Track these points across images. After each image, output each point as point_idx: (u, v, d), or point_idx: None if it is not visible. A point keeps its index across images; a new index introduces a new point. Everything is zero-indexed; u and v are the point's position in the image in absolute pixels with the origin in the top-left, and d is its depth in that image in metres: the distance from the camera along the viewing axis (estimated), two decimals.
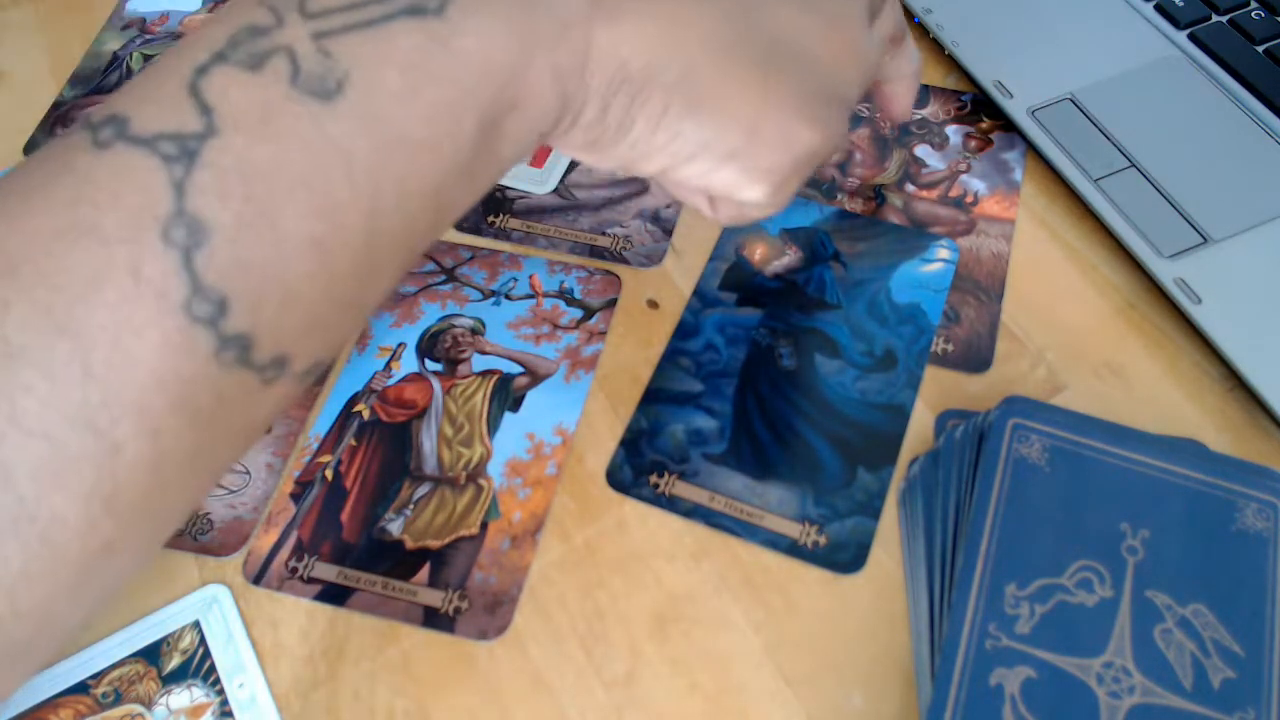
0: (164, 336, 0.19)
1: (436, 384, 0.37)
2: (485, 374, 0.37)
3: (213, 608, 0.32)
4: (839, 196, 0.42)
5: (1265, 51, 0.42)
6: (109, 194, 0.19)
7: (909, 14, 0.47)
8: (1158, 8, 0.45)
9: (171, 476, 0.21)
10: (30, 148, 0.46)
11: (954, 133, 0.43)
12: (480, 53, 0.22)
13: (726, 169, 0.27)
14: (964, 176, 0.42)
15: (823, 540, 0.32)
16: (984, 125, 0.44)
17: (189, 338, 0.19)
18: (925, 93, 0.45)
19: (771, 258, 0.40)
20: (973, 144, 0.43)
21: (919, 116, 0.44)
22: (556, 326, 0.38)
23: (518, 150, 0.24)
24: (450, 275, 0.40)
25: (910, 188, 0.42)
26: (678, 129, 0.26)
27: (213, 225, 0.19)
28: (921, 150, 0.43)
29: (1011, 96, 0.42)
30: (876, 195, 0.41)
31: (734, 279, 0.39)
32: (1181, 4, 0.44)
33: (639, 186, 0.43)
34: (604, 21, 0.23)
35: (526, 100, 0.23)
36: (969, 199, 0.41)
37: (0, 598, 0.19)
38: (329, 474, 0.35)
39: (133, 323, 0.19)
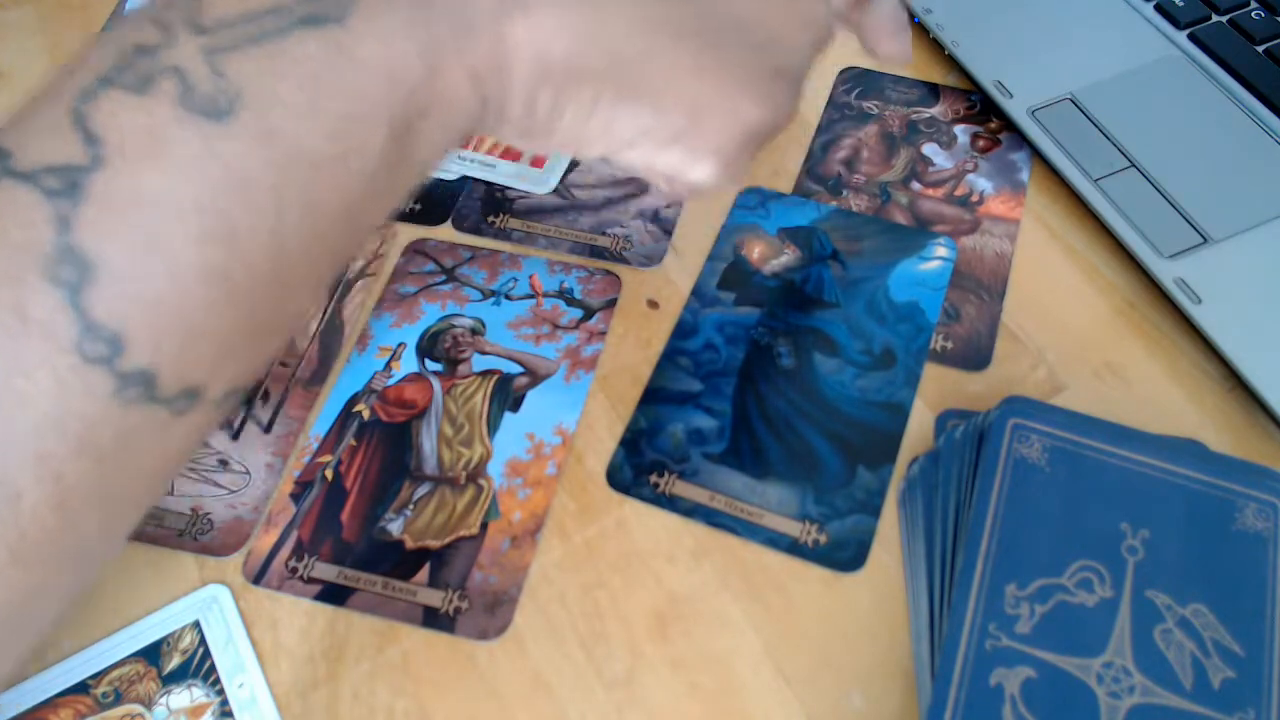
0: (56, 378, 0.18)
1: (436, 384, 0.37)
2: (485, 374, 0.37)
3: (213, 608, 0.32)
4: (844, 193, 0.42)
5: (1265, 51, 0.42)
6: None
7: (909, 14, 0.47)
8: (1158, 8, 0.45)
9: (82, 518, 0.20)
10: None
11: (962, 132, 0.43)
12: (385, 61, 0.21)
13: (670, 152, 0.26)
14: (970, 176, 0.42)
15: (823, 538, 0.32)
16: (992, 125, 0.44)
17: (84, 378, 0.18)
18: (934, 92, 0.45)
19: (770, 257, 0.40)
20: (980, 144, 0.43)
21: (928, 115, 0.44)
22: (556, 326, 0.38)
23: (436, 153, 0.23)
24: (450, 275, 0.40)
25: (916, 186, 0.42)
26: (611, 116, 0.25)
27: (100, 261, 0.18)
28: (929, 149, 0.43)
29: (1012, 96, 0.42)
30: (881, 193, 0.41)
31: (733, 278, 0.39)
32: (1181, 4, 0.44)
33: (639, 186, 0.43)
34: (518, 16, 0.22)
35: (440, 105, 0.22)
36: (974, 198, 0.41)
37: None
38: (329, 474, 0.35)
39: (21, 365, 0.18)
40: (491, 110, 0.24)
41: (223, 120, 0.19)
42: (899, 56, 0.34)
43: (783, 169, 0.43)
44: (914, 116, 0.44)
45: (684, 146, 0.26)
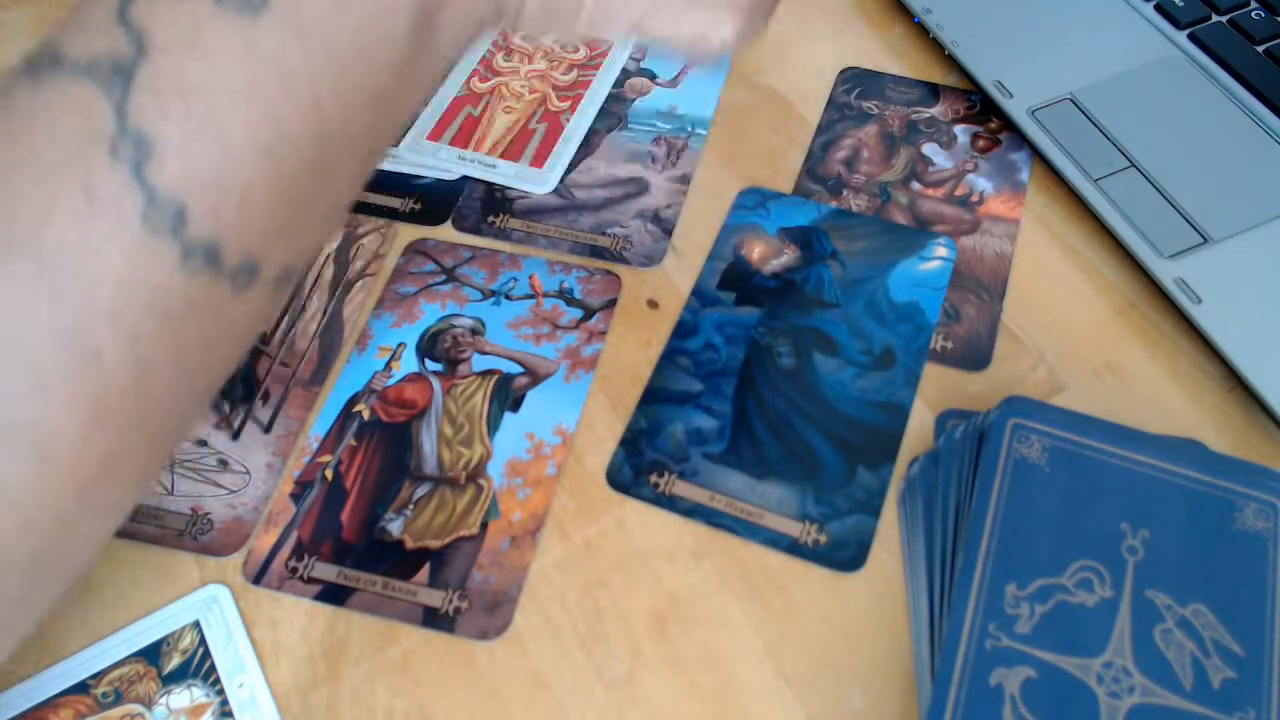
0: (124, 249, 0.20)
1: (436, 384, 0.37)
2: (485, 374, 0.37)
3: (213, 608, 0.32)
4: (844, 193, 0.42)
5: (1265, 51, 0.42)
6: (50, 123, 0.20)
7: (909, 14, 0.47)
8: (1158, 8, 0.45)
9: (156, 381, 0.21)
10: None
11: (962, 132, 0.43)
12: None
13: (692, 15, 0.27)
14: (970, 176, 0.42)
15: (823, 538, 0.32)
16: (992, 125, 0.44)
17: (151, 248, 0.20)
18: (934, 92, 0.45)
19: (770, 257, 0.40)
20: (980, 144, 0.43)
21: (928, 115, 0.44)
22: (556, 326, 0.38)
23: (459, 43, 0.24)
24: (450, 275, 0.40)
25: (916, 186, 0.42)
26: None
27: (158, 138, 0.20)
28: (929, 149, 0.43)
29: (1011, 96, 0.42)
30: (881, 193, 0.41)
31: (732, 278, 0.39)
32: (1181, 4, 0.44)
33: (639, 187, 0.43)
34: None
35: None
36: (974, 198, 0.41)
37: (6, 511, 0.20)
38: (329, 474, 0.35)
39: (91, 241, 0.19)
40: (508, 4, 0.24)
41: (257, 14, 0.20)
42: None
43: (783, 169, 0.43)
44: (914, 116, 0.44)
45: (703, 7, 0.26)
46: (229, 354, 0.23)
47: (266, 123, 0.21)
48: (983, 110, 0.44)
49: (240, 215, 0.21)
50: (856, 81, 0.46)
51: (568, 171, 0.43)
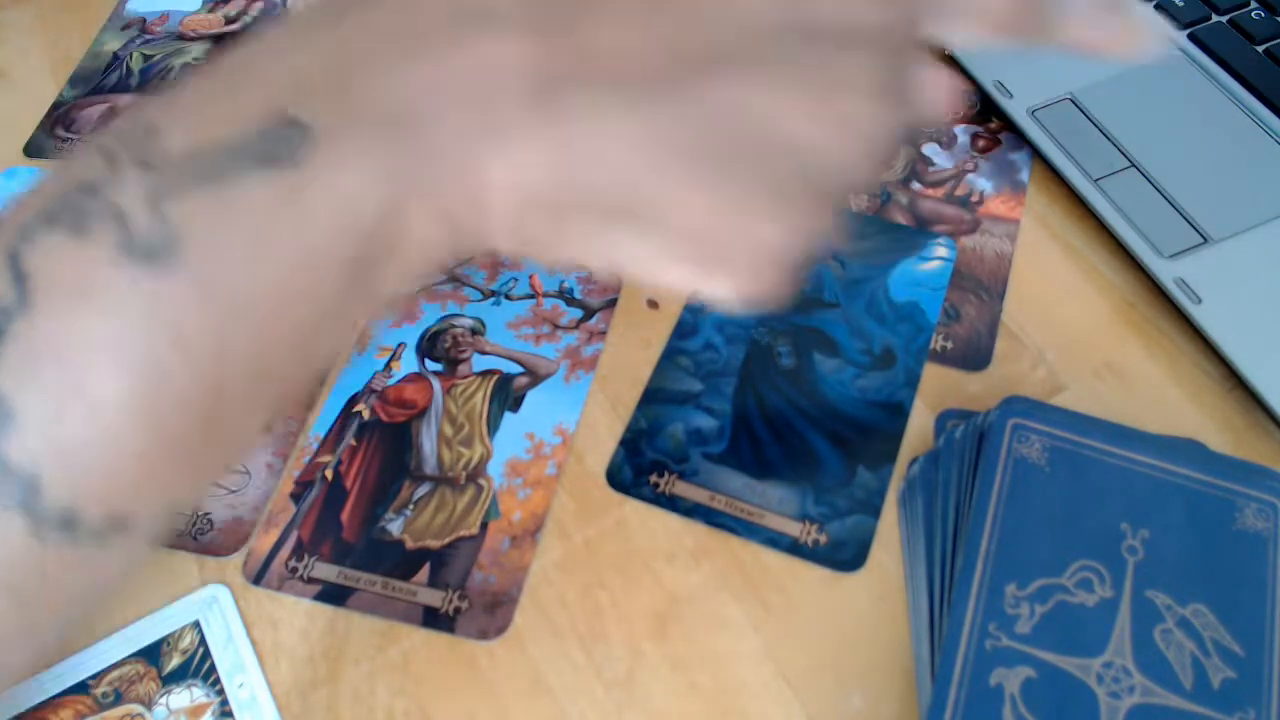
0: None
1: (436, 384, 0.37)
2: (485, 374, 0.37)
3: (213, 608, 0.32)
4: None
5: (1265, 51, 0.42)
6: None
7: None
8: (1158, 8, 0.45)
9: (5, 653, 0.20)
10: (30, 147, 0.46)
11: (962, 132, 0.43)
12: (341, 207, 0.19)
13: (680, 269, 0.23)
14: (970, 176, 0.42)
15: (823, 538, 0.32)
16: (993, 125, 0.44)
17: None
18: None
19: None
20: (980, 144, 0.43)
21: None
22: (556, 326, 0.38)
23: (407, 283, 0.22)
24: (450, 275, 0.40)
25: (916, 186, 0.42)
26: (613, 241, 0.22)
27: (19, 405, 0.18)
28: (929, 149, 0.43)
29: (1011, 96, 0.42)
30: (881, 192, 0.41)
31: None
32: (1181, 4, 0.44)
33: None
34: (493, 148, 0.20)
35: (407, 245, 0.21)
36: (974, 198, 0.41)
37: None
38: (329, 474, 0.35)
39: None
40: (474, 242, 0.22)
41: (161, 266, 0.18)
42: (1119, 42, 0.25)
43: None
44: None
45: (698, 269, 0.23)
46: (99, 600, 0.21)
47: (152, 382, 0.19)
48: (983, 110, 0.44)
49: (106, 480, 0.19)
50: None
51: None
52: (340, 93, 0.19)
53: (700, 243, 0.22)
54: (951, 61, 0.45)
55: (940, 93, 0.25)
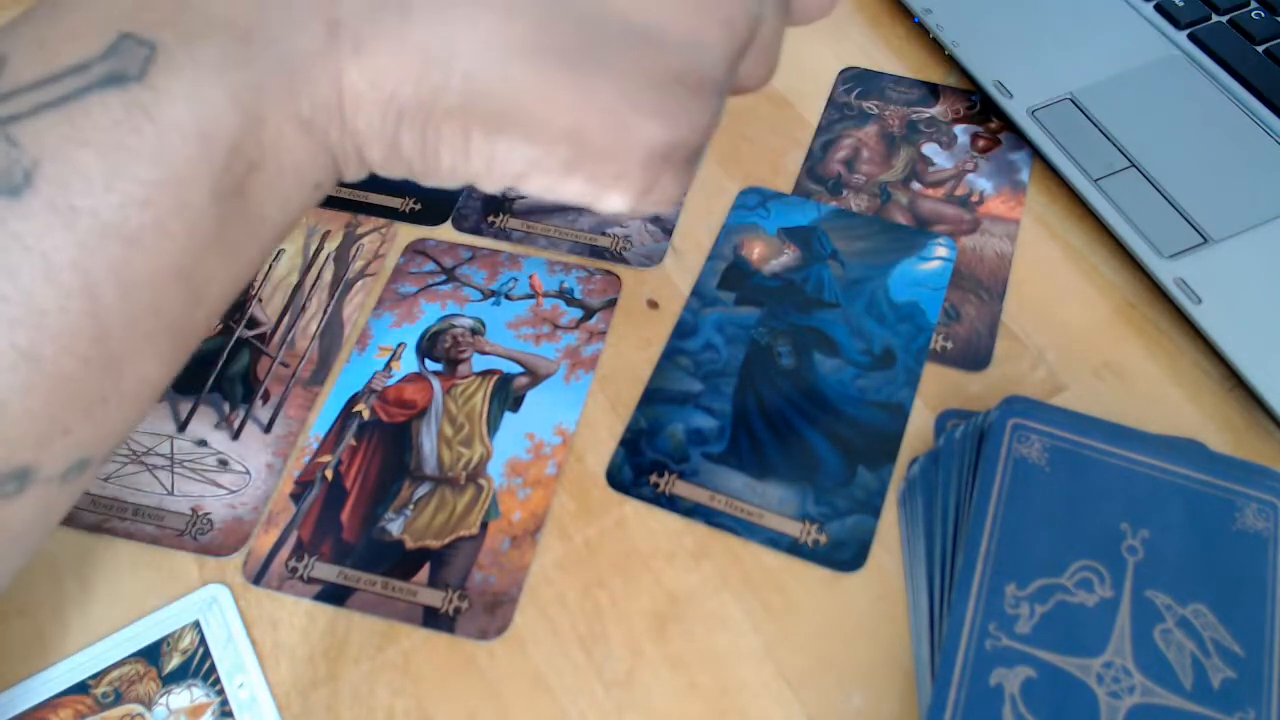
0: None
1: (436, 384, 0.37)
2: (485, 374, 0.37)
3: (213, 608, 0.32)
4: (844, 193, 0.42)
5: (1265, 51, 0.42)
6: None
7: (909, 14, 0.47)
8: (1158, 8, 0.45)
9: None
10: None
11: (962, 132, 0.43)
12: (195, 118, 0.19)
13: (571, 182, 0.23)
14: (970, 176, 0.42)
15: (823, 538, 0.32)
16: (992, 125, 0.44)
17: None
18: (934, 92, 0.45)
19: (769, 257, 0.40)
20: (980, 144, 0.43)
21: (928, 115, 0.44)
22: (556, 326, 0.38)
23: (287, 209, 0.21)
24: (450, 275, 0.40)
25: (916, 186, 0.42)
26: (490, 152, 0.22)
27: None
28: (929, 149, 0.43)
29: (1011, 96, 0.42)
30: (881, 193, 0.41)
31: (732, 278, 0.39)
32: (1181, 4, 0.44)
33: None
34: (350, 55, 0.20)
35: (272, 159, 0.20)
36: (974, 198, 0.41)
37: None
38: (329, 474, 0.35)
39: None
40: (345, 157, 0.22)
41: (18, 196, 0.18)
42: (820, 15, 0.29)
43: (782, 169, 0.43)
44: (914, 116, 0.44)
45: (582, 177, 0.23)
46: (13, 553, 0.21)
47: (25, 322, 0.18)
48: (983, 110, 0.44)
49: None
50: (857, 81, 0.46)
51: None
52: (181, 8, 0.19)
53: (581, 145, 0.22)
54: (951, 62, 0.45)
55: None
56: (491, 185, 0.23)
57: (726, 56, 0.23)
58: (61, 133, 0.18)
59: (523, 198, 0.42)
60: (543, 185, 0.23)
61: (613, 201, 0.23)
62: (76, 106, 0.18)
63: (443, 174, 0.23)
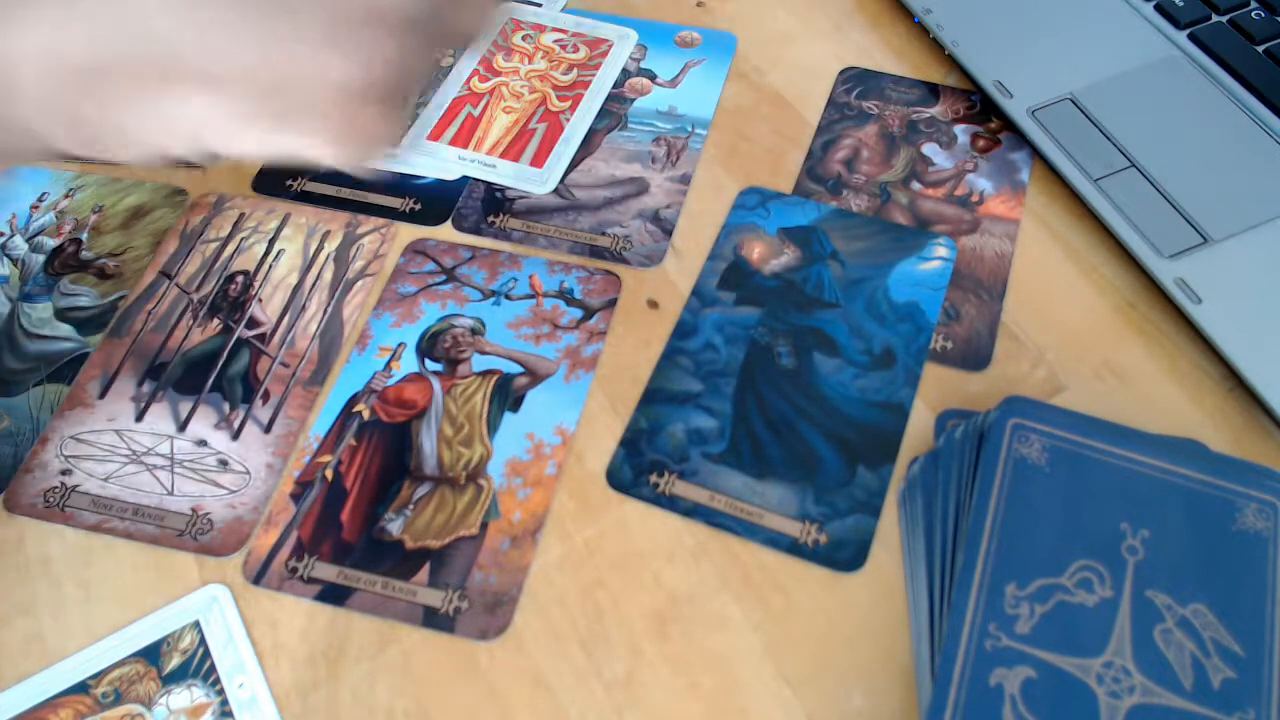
0: None
1: (436, 384, 0.37)
2: (485, 374, 0.37)
3: (213, 608, 0.32)
4: (844, 193, 0.42)
5: (1265, 51, 0.42)
6: None
7: (909, 14, 0.47)
8: (1158, 8, 0.45)
9: None
10: None
11: (962, 132, 0.43)
12: None
13: (274, 136, 0.22)
14: (970, 176, 0.42)
15: (823, 538, 0.32)
16: (993, 125, 0.44)
17: None
18: (934, 92, 0.45)
19: (769, 257, 0.40)
20: (980, 144, 0.43)
21: (928, 115, 0.44)
22: (556, 326, 0.38)
23: None
24: (450, 275, 0.40)
25: (916, 185, 0.42)
26: (162, 110, 0.22)
27: None
28: (929, 149, 0.43)
29: (1011, 96, 0.42)
30: (882, 192, 0.41)
31: (732, 278, 0.39)
32: (1181, 4, 0.44)
33: (639, 187, 0.43)
34: (9, 22, 0.20)
35: None
36: (974, 198, 0.41)
37: None
38: (329, 474, 0.35)
39: None
40: (18, 131, 0.21)
41: None
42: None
43: (782, 169, 0.43)
44: (914, 116, 0.44)
45: (275, 124, 0.22)
46: None
47: None
48: (983, 110, 0.44)
49: None
50: (857, 81, 0.46)
51: (568, 171, 0.43)
52: None
53: (251, 86, 0.21)
54: (951, 62, 0.45)
55: None
56: (177, 148, 0.22)
57: None
58: None
59: (525, 197, 0.42)
60: (233, 136, 0.22)
61: (320, 153, 0.23)
62: None
63: (126, 142, 0.22)
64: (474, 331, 0.38)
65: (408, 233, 0.42)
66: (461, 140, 0.44)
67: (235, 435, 0.36)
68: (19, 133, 0.22)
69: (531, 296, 0.39)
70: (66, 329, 0.39)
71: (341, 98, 0.22)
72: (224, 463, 0.35)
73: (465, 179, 0.43)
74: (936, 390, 0.36)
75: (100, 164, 0.43)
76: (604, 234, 0.41)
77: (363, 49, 0.22)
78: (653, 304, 0.39)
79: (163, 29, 0.20)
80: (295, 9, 0.21)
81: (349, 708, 0.30)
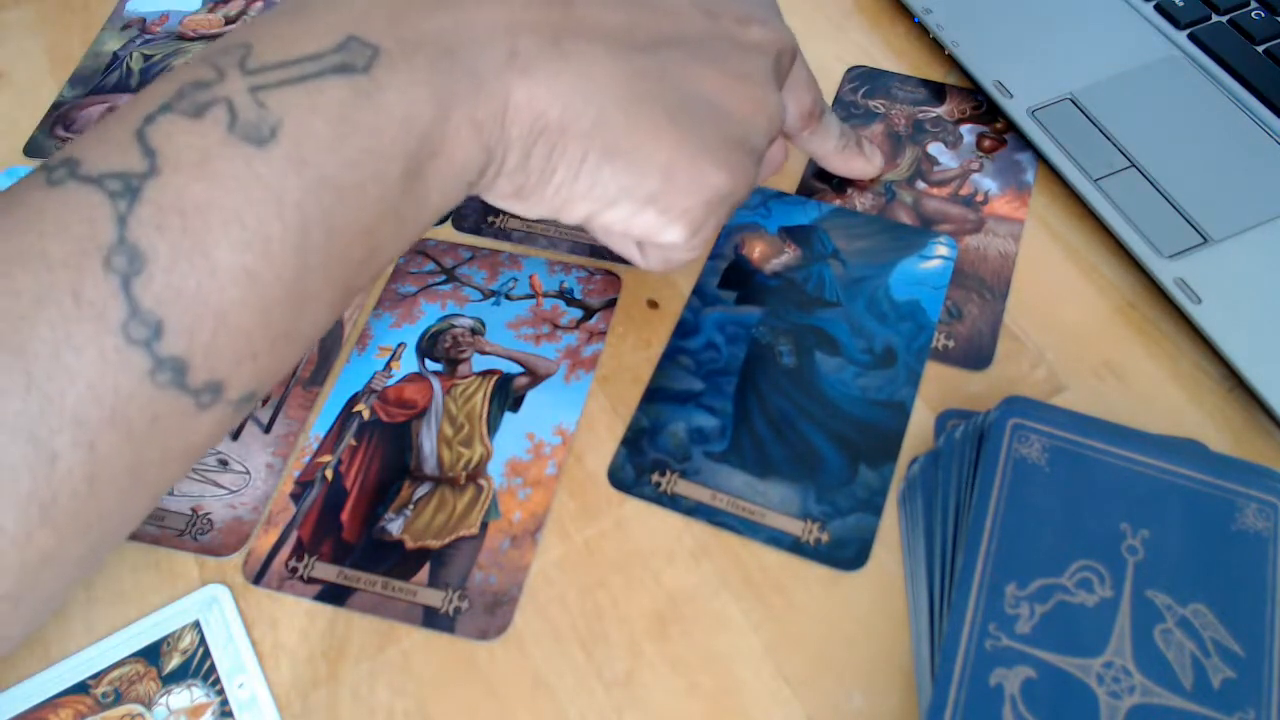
0: (101, 354, 0.21)
1: (436, 384, 0.37)
2: (485, 374, 0.37)
3: (213, 608, 0.32)
4: (849, 191, 0.42)
5: (1265, 51, 0.42)
6: (56, 225, 0.21)
7: (909, 14, 0.47)
8: (1158, 8, 0.45)
9: (107, 491, 0.22)
10: (30, 148, 0.46)
11: (968, 132, 0.43)
12: (401, 106, 0.24)
13: (647, 212, 0.29)
14: (975, 175, 0.42)
15: (825, 537, 0.32)
16: (998, 126, 0.44)
17: (125, 357, 0.21)
18: (940, 92, 0.45)
19: (770, 256, 0.40)
20: (986, 144, 0.43)
21: (934, 115, 0.44)
22: (556, 326, 0.38)
23: (445, 197, 0.26)
24: (450, 275, 0.40)
25: (921, 185, 0.42)
26: (596, 175, 0.28)
27: (151, 255, 0.21)
28: (934, 148, 0.43)
29: (1011, 96, 0.42)
30: (886, 191, 0.41)
31: (733, 277, 0.39)
32: (1181, 4, 0.44)
33: None
34: (518, 76, 0.25)
35: (448, 149, 0.25)
36: (979, 198, 0.41)
37: None
38: (329, 474, 0.35)
39: (73, 340, 0.21)
40: (494, 161, 0.27)
41: (263, 145, 0.22)
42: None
43: (787, 167, 0.43)
44: (920, 116, 0.44)
45: (658, 208, 0.29)
46: (181, 468, 0.24)
47: (254, 246, 0.22)
48: (988, 110, 0.44)
49: (214, 335, 0.22)
50: (863, 80, 0.46)
51: None
52: (397, 24, 0.24)
53: (667, 180, 0.28)
54: (951, 62, 0.45)
55: (802, 104, 0.36)
56: (582, 210, 0.29)
57: (768, 135, 0.31)
58: (299, 102, 0.23)
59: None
60: (623, 213, 0.29)
61: (673, 233, 0.29)
62: (312, 84, 0.23)
63: (548, 190, 0.28)
64: (474, 331, 0.38)
65: None
66: None
67: (235, 435, 0.36)
68: (490, 159, 0.28)
69: (531, 296, 0.39)
70: None
71: (712, 202, 0.29)
72: (224, 463, 0.35)
73: None
74: (937, 389, 0.36)
75: None
76: None
77: (737, 169, 0.29)
78: (653, 304, 0.39)
79: (621, 114, 0.27)
80: (703, 126, 0.28)
81: (349, 708, 0.30)
